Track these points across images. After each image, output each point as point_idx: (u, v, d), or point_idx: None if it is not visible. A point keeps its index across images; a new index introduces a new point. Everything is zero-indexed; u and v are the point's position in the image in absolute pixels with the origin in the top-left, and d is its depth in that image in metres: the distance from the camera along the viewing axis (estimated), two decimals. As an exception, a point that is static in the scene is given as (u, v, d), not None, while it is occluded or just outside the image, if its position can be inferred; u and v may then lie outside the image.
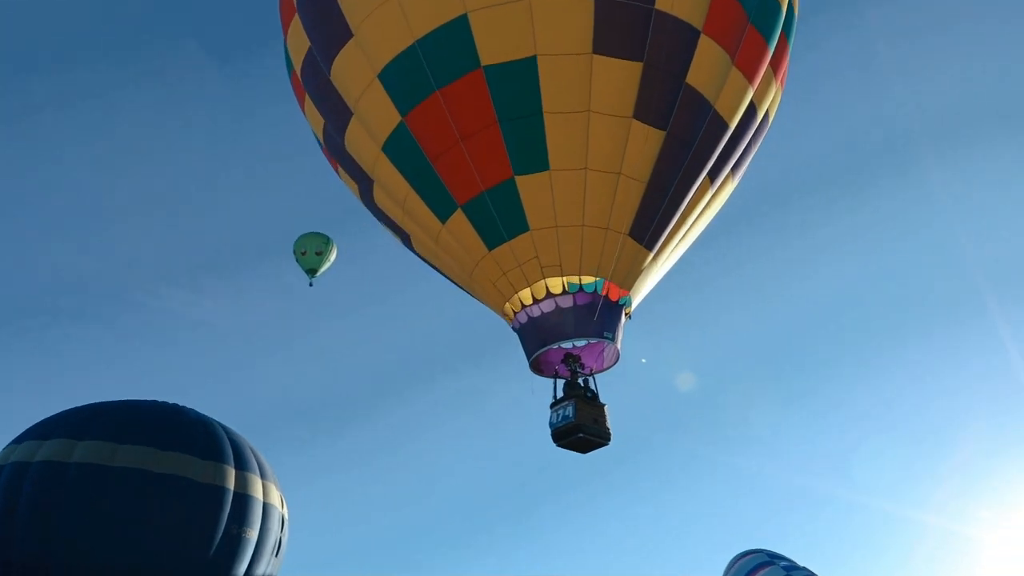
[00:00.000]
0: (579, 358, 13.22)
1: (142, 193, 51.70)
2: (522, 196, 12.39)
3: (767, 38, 13.11)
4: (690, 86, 12.39)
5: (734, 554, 24.46)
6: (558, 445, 12.81)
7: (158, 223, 50.83)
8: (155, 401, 16.33)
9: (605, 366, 13.39)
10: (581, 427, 12.51)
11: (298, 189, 52.52)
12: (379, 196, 14.00)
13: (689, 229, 13.77)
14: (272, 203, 53.37)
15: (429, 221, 13.28)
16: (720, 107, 12.74)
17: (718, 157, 13.20)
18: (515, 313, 13.03)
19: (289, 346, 50.62)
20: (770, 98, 13.79)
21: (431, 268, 15.12)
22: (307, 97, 14.16)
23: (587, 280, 12.63)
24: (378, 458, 52.20)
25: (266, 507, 15.81)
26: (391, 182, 13.35)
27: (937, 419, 49.61)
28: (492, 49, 11.97)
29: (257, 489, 15.76)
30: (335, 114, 13.51)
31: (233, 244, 53.61)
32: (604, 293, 12.69)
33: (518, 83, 12.01)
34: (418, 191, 13.07)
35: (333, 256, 25.59)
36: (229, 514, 14.99)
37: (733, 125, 13.09)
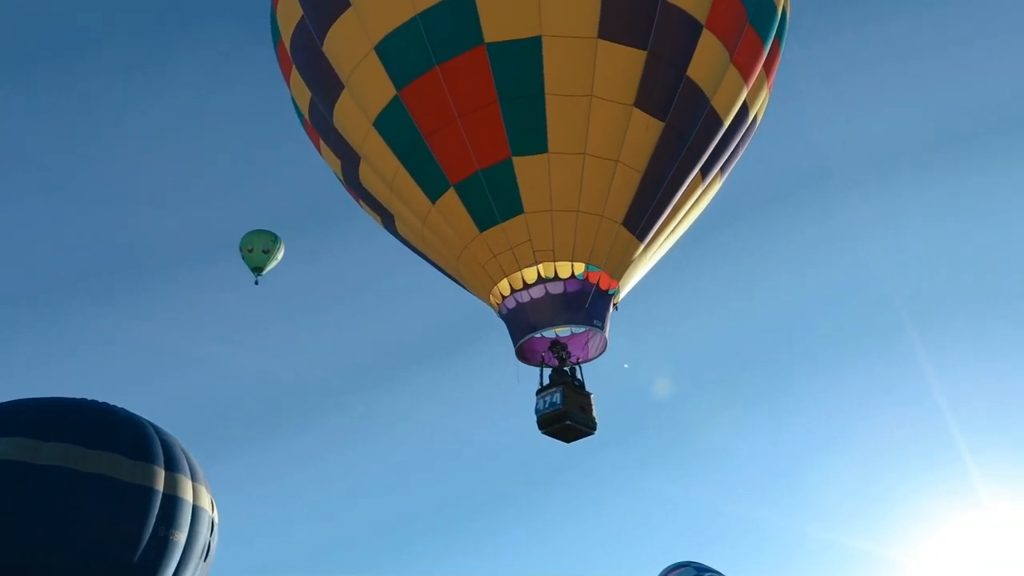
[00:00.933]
0: (566, 346, 13.06)
1: (84, 183, 49.01)
2: (519, 177, 12.18)
3: (763, 39, 13.31)
4: (690, 79, 12.44)
5: (662, 567, 24.54)
6: (543, 432, 12.59)
7: (98, 213, 48.71)
8: (82, 399, 15.44)
9: (591, 356, 13.25)
10: (568, 414, 12.33)
11: (248, 183, 51.24)
12: (365, 174, 13.54)
13: (677, 225, 13.79)
14: (222, 197, 51.93)
15: (418, 200, 12.91)
16: (716, 103, 12.82)
17: (710, 154, 13.27)
18: (503, 298, 12.75)
19: (231, 344, 48.79)
20: (761, 100, 13.98)
21: (412, 254, 14.76)
22: (294, 69, 13.68)
23: (579, 267, 12.47)
24: (322, 460, 50.89)
25: (195, 510, 15.14)
26: (380, 159, 12.94)
27: (860, 443, 50.71)
28: (496, 26, 11.80)
29: (187, 491, 15.09)
30: (325, 87, 13.06)
31: (176, 239, 51.02)
32: (595, 282, 12.55)
33: (521, 62, 11.85)
34: (409, 169, 12.71)
35: (280, 254, 25.14)
36: (157, 516, 14.26)
37: (727, 123, 13.19)
